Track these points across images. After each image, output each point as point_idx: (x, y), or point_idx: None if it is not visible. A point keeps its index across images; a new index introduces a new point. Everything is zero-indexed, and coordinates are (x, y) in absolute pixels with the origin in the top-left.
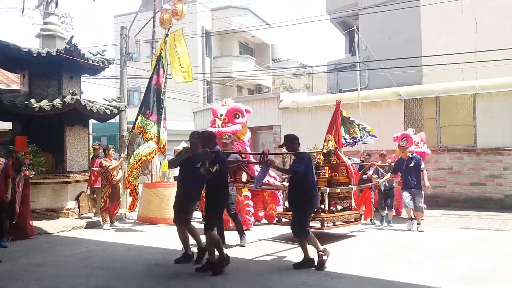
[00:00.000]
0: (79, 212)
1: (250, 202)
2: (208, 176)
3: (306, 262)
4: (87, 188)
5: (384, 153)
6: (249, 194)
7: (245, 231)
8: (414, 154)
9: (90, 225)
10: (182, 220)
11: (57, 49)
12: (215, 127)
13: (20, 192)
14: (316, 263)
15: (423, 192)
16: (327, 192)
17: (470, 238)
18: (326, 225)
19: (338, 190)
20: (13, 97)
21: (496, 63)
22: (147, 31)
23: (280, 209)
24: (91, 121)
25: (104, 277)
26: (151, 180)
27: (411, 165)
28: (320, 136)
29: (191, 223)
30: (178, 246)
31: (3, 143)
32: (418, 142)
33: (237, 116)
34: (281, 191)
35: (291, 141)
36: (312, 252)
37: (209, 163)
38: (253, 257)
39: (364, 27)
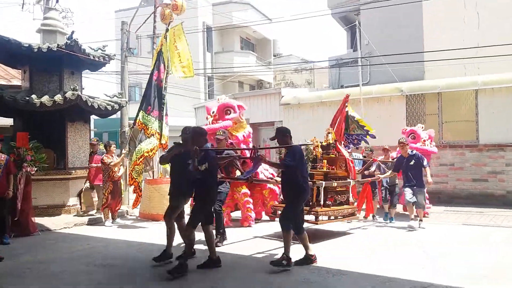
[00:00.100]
0: (81, 208)
1: (250, 199)
2: (196, 172)
3: (308, 259)
4: (85, 182)
5: (387, 147)
6: (247, 191)
7: (246, 228)
8: (415, 152)
9: (92, 222)
10: (168, 215)
11: (58, 45)
12: (207, 124)
13: (22, 188)
14: (277, 260)
15: (425, 189)
16: (323, 186)
17: (471, 235)
18: (320, 219)
19: (334, 184)
20: (14, 92)
21: (499, 58)
22: (148, 26)
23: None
24: (92, 117)
25: (105, 274)
26: (153, 176)
27: (412, 163)
28: (322, 132)
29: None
30: (179, 242)
31: (5, 139)
32: (425, 140)
33: (228, 112)
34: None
35: (283, 134)
36: (299, 250)
37: (198, 161)
38: (253, 254)
39: (366, 22)
